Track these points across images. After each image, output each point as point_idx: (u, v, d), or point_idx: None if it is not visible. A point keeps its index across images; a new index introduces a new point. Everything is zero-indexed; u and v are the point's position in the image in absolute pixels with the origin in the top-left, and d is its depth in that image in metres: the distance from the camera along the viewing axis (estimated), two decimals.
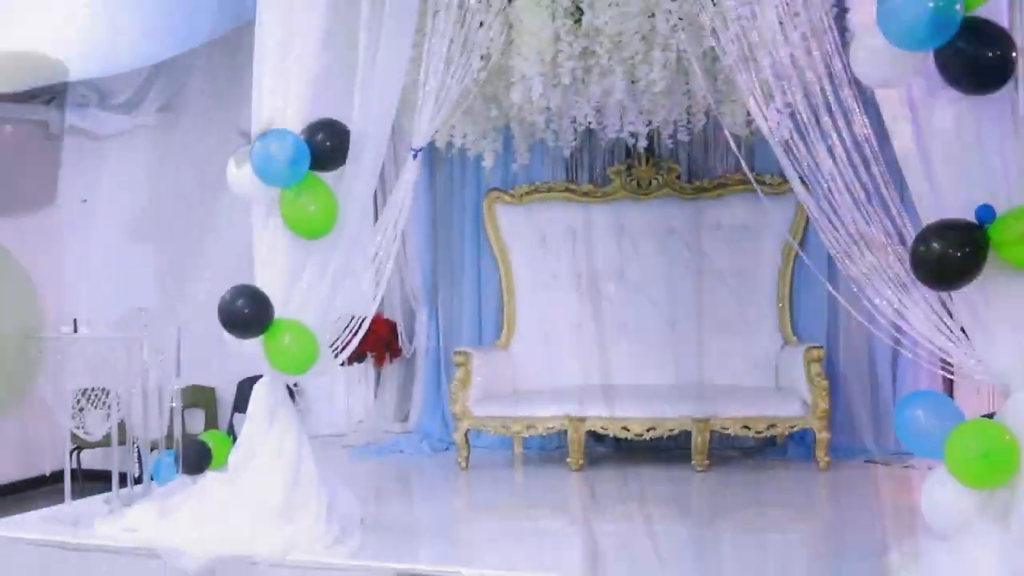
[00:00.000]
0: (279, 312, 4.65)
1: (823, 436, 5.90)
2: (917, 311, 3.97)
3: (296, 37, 4.63)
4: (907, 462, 6.08)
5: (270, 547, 4.35)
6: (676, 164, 6.78)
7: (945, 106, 3.80)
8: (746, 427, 5.96)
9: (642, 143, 5.96)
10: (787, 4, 4.19)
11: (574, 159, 6.98)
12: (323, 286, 4.68)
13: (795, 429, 6.06)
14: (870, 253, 4.01)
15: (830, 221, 4.05)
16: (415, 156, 4.70)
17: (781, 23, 4.14)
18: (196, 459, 5.01)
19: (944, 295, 3.88)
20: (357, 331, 4.88)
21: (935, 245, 3.69)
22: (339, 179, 4.68)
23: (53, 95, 7.81)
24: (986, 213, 3.68)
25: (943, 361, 4.04)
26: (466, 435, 6.25)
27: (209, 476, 4.86)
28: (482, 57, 4.64)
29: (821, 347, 6.02)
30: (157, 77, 7.86)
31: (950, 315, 3.92)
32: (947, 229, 3.70)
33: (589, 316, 6.77)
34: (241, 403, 8.04)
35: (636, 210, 6.80)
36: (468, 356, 6.30)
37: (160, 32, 6.50)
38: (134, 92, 7.90)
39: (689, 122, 5.78)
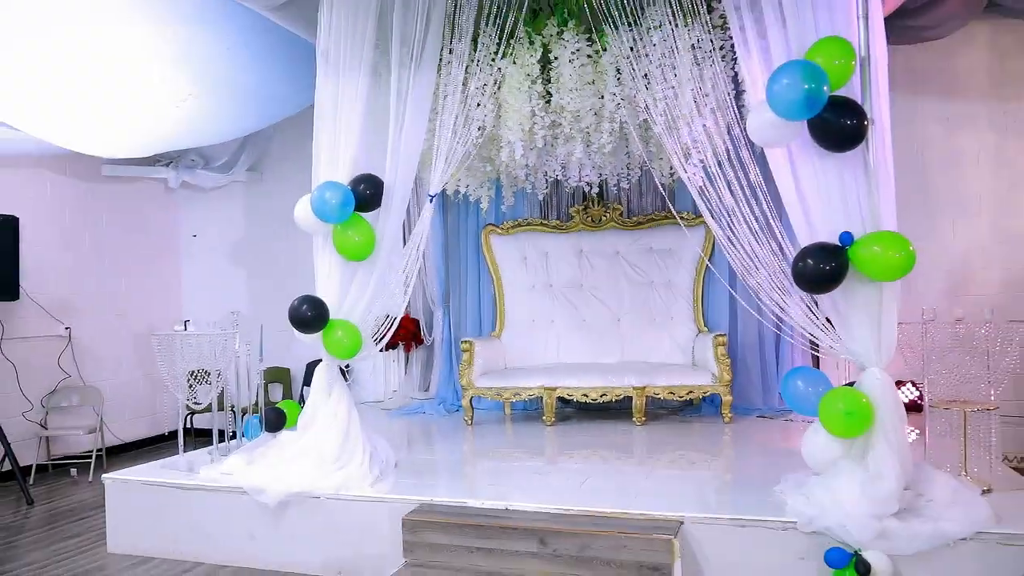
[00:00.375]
0: (333, 314, 4.52)
1: (727, 399, 5.79)
2: (796, 309, 3.85)
3: (343, 115, 4.51)
4: (787, 417, 5.99)
5: (328, 485, 4.23)
6: (619, 205, 6.65)
7: (816, 160, 3.71)
8: (671, 393, 5.83)
9: (595, 190, 5.83)
10: (699, 87, 4.08)
11: (546, 202, 6.86)
12: (365, 295, 4.55)
13: (707, 394, 5.93)
14: (762, 267, 3.89)
15: (733, 245, 3.92)
16: (431, 200, 4.56)
17: (695, 101, 4.03)
18: (275, 421, 4.91)
19: (816, 297, 3.78)
20: (391, 326, 4.74)
21: (810, 261, 3.60)
22: (376, 218, 4.55)
23: (171, 160, 7.65)
24: (847, 238, 3.59)
25: (812, 343, 3.94)
26: (471, 401, 6.12)
27: (284, 434, 4.73)
28: (479, 128, 4.49)
29: (725, 335, 5.90)
30: (246, 147, 7.72)
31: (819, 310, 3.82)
32: (818, 250, 3.61)
33: (558, 314, 6.64)
34: (309, 379, 7.91)
35: (591, 238, 6.68)
36: (471, 344, 6.16)
37: (247, 114, 6.35)
38: (229, 157, 7.76)
39: (628, 174, 5.65)
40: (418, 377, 7.34)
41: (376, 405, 7.24)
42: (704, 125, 3.98)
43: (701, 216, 6.35)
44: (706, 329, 6.36)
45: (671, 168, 5.24)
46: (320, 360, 4.64)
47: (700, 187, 4.00)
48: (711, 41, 4.07)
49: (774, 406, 6.25)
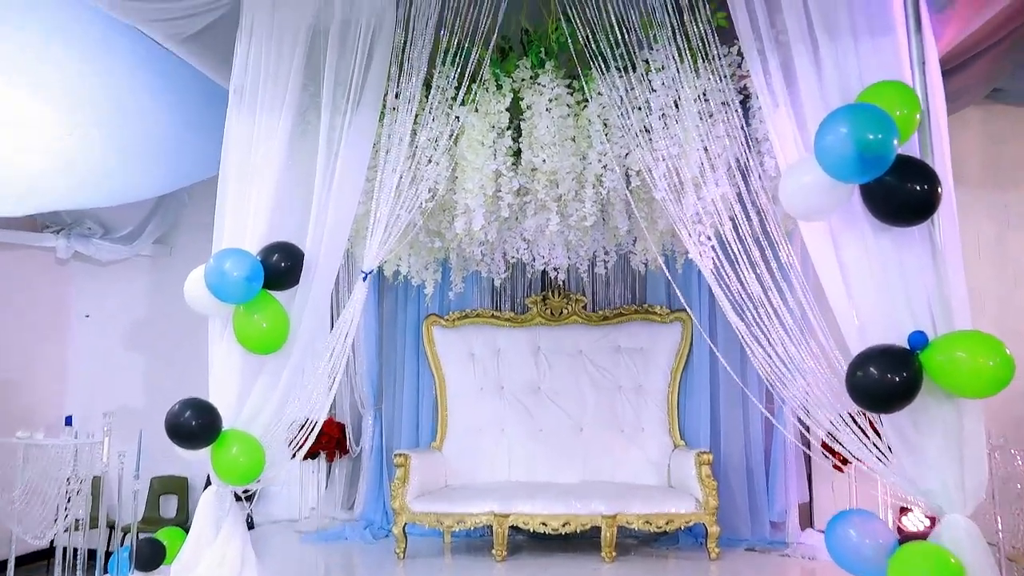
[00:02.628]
0: (228, 424, 3.35)
1: (714, 530, 4.67)
2: (846, 432, 2.86)
3: (257, 166, 3.47)
4: (783, 551, 4.92)
5: None
6: (583, 296, 5.65)
7: (868, 236, 2.78)
8: (647, 522, 4.71)
9: (561, 276, 4.81)
10: (711, 145, 3.16)
11: (499, 290, 5.79)
12: (273, 399, 3.41)
13: (689, 524, 4.81)
14: (799, 375, 2.90)
15: (760, 345, 2.94)
16: (364, 278, 3.49)
17: (709, 160, 3.10)
18: (149, 556, 3.73)
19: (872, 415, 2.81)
20: (311, 432, 3.58)
21: (873, 370, 2.61)
22: (292, 298, 3.45)
23: (62, 226, 6.42)
24: (919, 340, 2.63)
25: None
26: (404, 528, 4.86)
27: None
28: (430, 191, 3.47)
29: (710, 452, 4.83)
30: (155, 215, 6.53)
31: (877, 434, 2.84)
32: (883, 355, 2.63)
33: (510, 422, 5.52)
34: None
35: (550, 334, 5.64)
36: (407, 458, 4.97)
37: (153, 169, 5.25)
38: (134, 227, 6.54)
39: (606, 257, 4.64)
40: (341, 493, 6.04)
41: (289, 525, 5.90)
42: (721, 190, 3.04)
43: (677, 311, 5.54)
44: (683, 443, 5.31)
45: (663, 250, 4.32)
46: None
47: (714, 269, 3.02)
48: (723, 91, 3.18)
49: (764, 537, 5.16)
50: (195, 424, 3.22)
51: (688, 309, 5.27)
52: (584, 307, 5.65)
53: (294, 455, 3.53)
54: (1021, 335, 5.17)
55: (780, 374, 2.91)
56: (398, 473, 4.93)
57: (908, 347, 2.64)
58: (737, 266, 2.95)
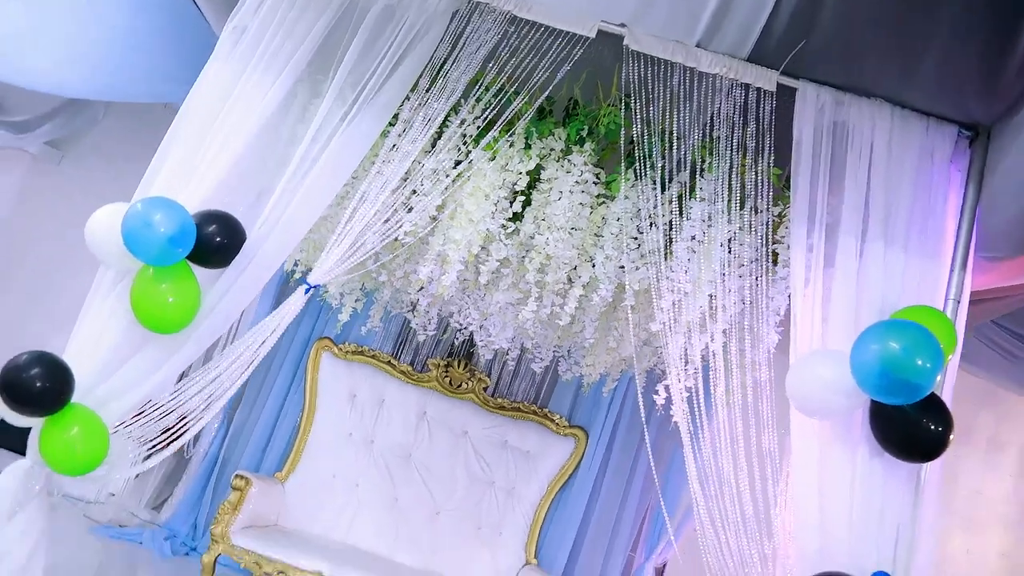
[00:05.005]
0: (78, 396, 2.68)
1: None
2: None
3: (231, 118, 2.91)
4: None
5: None
6: (487, 377, 5.19)
7: (859, 453, 2.55)
8: None
9: (486, 358, 4.33)
10: (724, 295, 2.87)
11: (402, 336, 5.26)
12: (142, 387, 2.77)
13: None
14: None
15: (714, 527, 2.61)
16: (308, 291, 2.94)
17: (724, 308, 2.80)
18: None
19: None
20: (180, 433, 2.94)
21: None
22: (213, 281, 2.86)
23: None
24: None
25: None
26: (216, 559, 4.15)
27: None
28: (412, 224, 2.98)
29: None
30: (60, 113, 5.60)
31: None
32: None
33: (368, 481, 4.93)
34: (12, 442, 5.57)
35: (441, 404, 5.12)
36: (248, 483, 4.30)
37: (91, 71, 4.45)
38: (31, 117, 5.56)
39: (542, 355, 4.24)
40: (152, 489, 5.21)
41: (78, 506, 5.00)
42: (725, 347, 2.74)
43: (574, 427, 5.16)
44: (535, 561, 4.89)
45: (601, 374, 3.99)
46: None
47: (690, 427, 2.70)
48: (751, 248, 2.92)
49: None
50: (40, 387, 2.53)
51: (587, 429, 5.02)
52: (485, 388, 5.20)
53: (149, 455, 2.86)
54: None
55: (721, 566, 2.57)
56: (232, 496, 4.25)
57: None
58: (717, 436, 2.64)
